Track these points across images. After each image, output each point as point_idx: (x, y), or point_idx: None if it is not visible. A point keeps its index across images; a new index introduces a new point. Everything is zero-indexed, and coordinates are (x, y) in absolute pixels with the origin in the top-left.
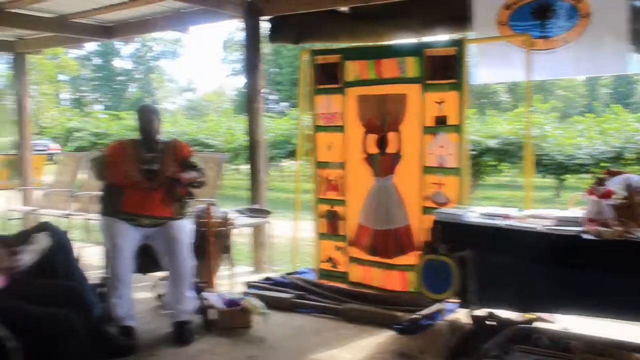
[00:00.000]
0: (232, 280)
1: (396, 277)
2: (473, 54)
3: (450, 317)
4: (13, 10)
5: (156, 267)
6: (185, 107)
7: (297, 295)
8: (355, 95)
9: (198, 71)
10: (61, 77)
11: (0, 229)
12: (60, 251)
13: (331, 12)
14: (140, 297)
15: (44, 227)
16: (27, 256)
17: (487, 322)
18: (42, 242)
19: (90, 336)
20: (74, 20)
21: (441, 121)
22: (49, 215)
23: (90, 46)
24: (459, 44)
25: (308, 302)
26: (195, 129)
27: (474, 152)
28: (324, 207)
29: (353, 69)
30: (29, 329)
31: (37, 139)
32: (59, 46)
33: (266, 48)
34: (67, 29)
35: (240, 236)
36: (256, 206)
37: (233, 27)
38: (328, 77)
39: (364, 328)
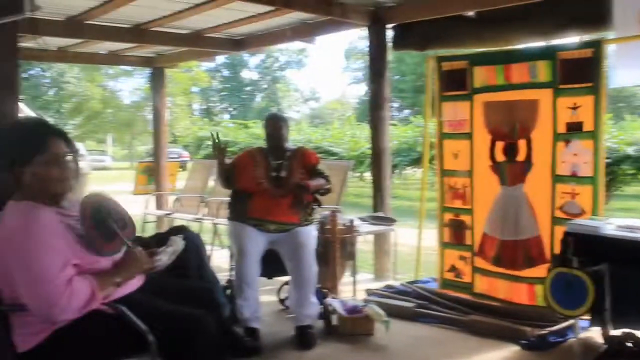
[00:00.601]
0: (354, 287)
1: (523, 289)
2: (610, 55)
3: (582, 335)
4: (154, 29)
5: (281, 271)
6: (309, 115)
7: (419, 305)
8: (483, 101)
9: (321, 80)
10: (193, 88)
11: (137, 231)
12: (193, 253)
13: (457, 18)
14: (265, 300)
15: (180, 230)
16: (165, 257)
17: (624, 344)
18: (178, 244)
19: (219, 336)
20: (207, 35)
21: (575, 127)
22: (181, 219)
23: (220, 59)
24: (596, 45)
25: (430, 311)
26: (319, 137)
27: (609, 160)
28: (449, 216)
29: (480, 75)
30: (164, 325)
31: (171, 147)
32: (193, 60)
33: (389, 55)
34: (201, 43)
35: (364, 243)
36: (380, 214)
37: (355, 36)
38: (455, 83)
39: (488, 341)
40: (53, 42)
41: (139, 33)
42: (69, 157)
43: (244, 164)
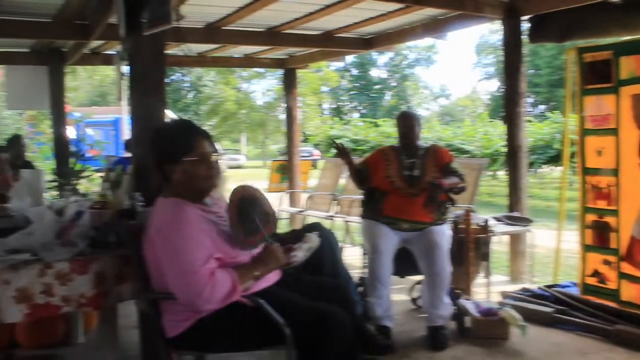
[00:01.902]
0: (488, 289)
1: None
2: None
3: None
4: (286, 31)
5: (413, 270)
6: (439, 112)
7: (558, 310)
8: (631, 94)
9: (451, 76)
10: (323, 88)
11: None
12: (328, 250)
13: (600, 5)
14: (397, 299)
15: (315, 227)
16: (301, 253)
17: None
18: (314, 240)
19: (353, 333)
20: (337, 35)
21: None
22: (313, 216)
23: (349, 58)
24: None
25: (571, 318)
26: (450, 134)
27: None
28: (592, 217)
29: (628, 65)
30: (301, 319)
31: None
32: (324, 60)
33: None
34: (331, 43)
35: (498, 244)
36: (516, 214)
37: (486, 30)
38: (598, 76)
39: (636, 354)
40: (194, 49)
41: (272, 36)
42: (213, 156)
43: (376, 163)
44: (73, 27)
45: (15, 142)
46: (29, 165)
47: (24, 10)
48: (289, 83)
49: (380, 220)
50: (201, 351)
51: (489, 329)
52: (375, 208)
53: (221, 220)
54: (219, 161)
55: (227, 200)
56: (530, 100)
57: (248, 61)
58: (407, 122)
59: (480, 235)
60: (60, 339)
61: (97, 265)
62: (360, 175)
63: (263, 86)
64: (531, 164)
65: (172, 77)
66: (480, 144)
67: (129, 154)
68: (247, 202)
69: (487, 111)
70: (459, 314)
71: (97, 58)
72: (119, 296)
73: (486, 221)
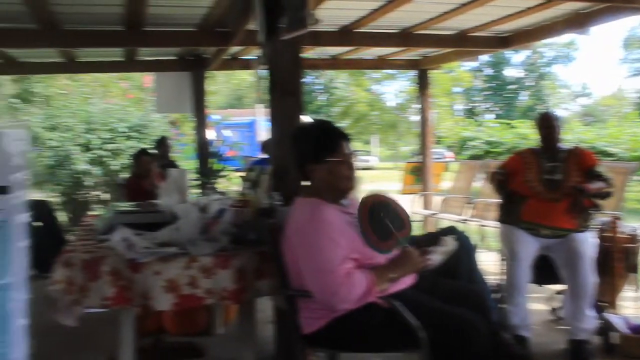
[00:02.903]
0: (637, 303)
1: None
2: None
3: None
4: (419, 32)
5: (553, 279)
6: (579, 113)
7: None
8: None
9: (593, 74)
10: (455, 89)
11: None
12: (464, 254)
13: None
14: (535, 308)
15: (451, 230)
16: (437, 257)
17: None
18: (450, 244)
19: (489, 341)
20: (472, 35)
21: None
22: (446, 219)
23: (483, 57)
24: None
25: None
26: (593, 136)
27: None
28: None
29: None
30: (437, 324)
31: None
32: (457, 60)
33: None
34: (465, 43)
35: None
36: None
37: (636, 22)
38: None
39: None
40: (327, 52)
41: (405, 37)
42: (353, 157)
43: (514, 167)
44: (215, 34)
45: (162, 143)
46: (173, 164)
47: (172, 21)
48: (422, 84)
49: (519, 225)
50: (335, 349)
51: (639, 347)
52: (513, 213)
53: (357, 222)
54: (355, 162)
55: (359, 205)
56: None
57: (380, 63)
58: (548, 123)
59: (629, 245)
60: (201, 328)
61: (238, 261)
62: (502, 184)
63: (394, 88)
64: None
65: (305, 80)
66: (628, 146)
67: (265, 155)
68: (379, 207)
69: (636, 110)
70: (605, 328)
71: (236, 63)
72: (258, 291)
73: (635, 230)
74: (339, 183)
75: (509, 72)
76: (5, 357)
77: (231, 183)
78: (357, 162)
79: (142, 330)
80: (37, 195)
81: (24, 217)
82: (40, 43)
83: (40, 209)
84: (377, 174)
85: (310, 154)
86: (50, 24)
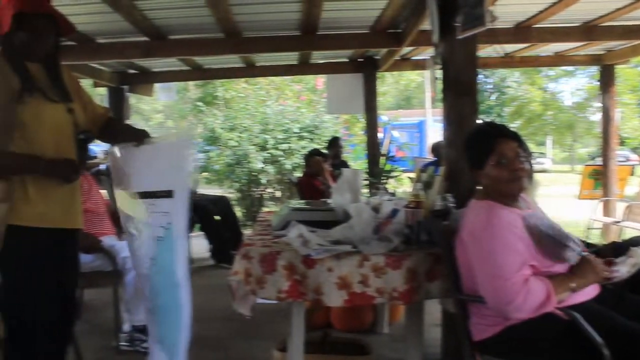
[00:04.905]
0: None
1: None
2: None
3: None
4: (604, 24)
5: None
6: None
7: None
8: None
9: None
10: None
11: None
12: None
13: None
14: None
15: (638, 241)
16: (624, 268)
17: None
18: (639, 256)
19: None
20: None
21: None
22: (631, 228)
23: None
24: None
25: None
26: None
27: None
28: None
29: None
30: (624, 342)
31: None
32: None
33: None
34: None
35: None
36: None
37: None
38: None
39: None
40: (504, 49)
41: (587, 30)
42: (521, 158)
43: None
44: (387, 36)
45: (334, 143)
46: (345, 164)
47: (345, 25)
48: (606, 80)
49: None
50: (506, 359)
51: None
52: None
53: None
54: (527, 163)
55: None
56: None
57: (558, 59)
58: None
59: None
60: (367, 326)
61: (410, 262)
62: None
63: (572, 85)
64: None
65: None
66: None
67: (435, 157)
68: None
69: None
70: None
71: (407, 64)
72: (428, 293)
73: None
74: (500, 187)
75: None
76: (177, 349)
77: (400, 184)
78: (531, 164)
79: (310, 324)
80: (218, 191)
81: (186, 220)
82: (224, 50)
83: (220, 204)
84: (551, 178)
85: (472, 159)
86: (233, 32)
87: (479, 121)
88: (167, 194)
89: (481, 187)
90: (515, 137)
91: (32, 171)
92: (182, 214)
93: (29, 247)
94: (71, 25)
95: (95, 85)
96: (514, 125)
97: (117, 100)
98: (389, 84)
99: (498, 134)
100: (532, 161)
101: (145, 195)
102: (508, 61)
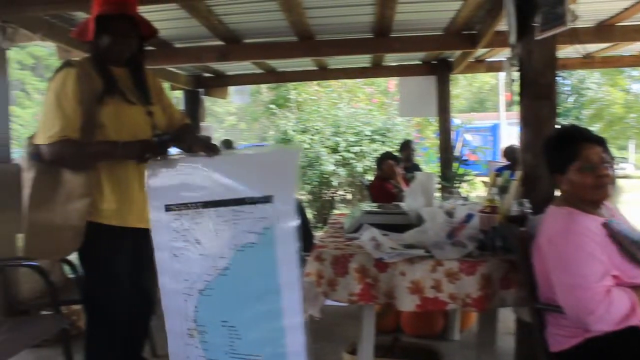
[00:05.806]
0: None
1: None
2: None
3: None
4: None
5: None
6: None
7: None
8: None
9: None
10: None
11: None
12: None
13: None
14: None
15: None
16: None
17: None
18: None
19: None
20: None
21: None
22: None
23: None
24: None
25: None
26: None
27: None
28: None
29: None
30: None
31: None
32: None
33: None
34: None
35: None
36: None
37: None
38: None
39: None
40: (586, 49)
41: None
42: (606, 164)
43: None
44: (461, 37)
45: (406, 146)
46: (417, 167)
47: (419, 27)
48: None
49: None
50: None
51: None
52: None
53: (621, 233)
54: (611, 169)
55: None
56: None
57: None
58: None
59: None
60: (437, 332)
61: (484, 268)
62: None
63: None
64: None
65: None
66: None
67: (508, 161)
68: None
69: None
70: None
71: (481, 66)
72: (502, 301)
73: None
74: (583, 193)
75: None
76: (283, 357)
77: (472, 188)
78: (614, 169)
79: (379, 328)
80: None
81: (294, 223)
82: (297, 53)
83: None
84: (634, 183)
85: (553, 164)
86: (306, 35)
87: (557, 125)
88: (266, 200)
89: (561, 193)
90: (600, 141)
91: (111, 154)
92: (285, 217)
93: (106, 244)
94: (153, 28)
95: (172, 88)
96: (593, 129)
97: (193, 102)
98: (462, 86)
99: (582, 138)
100: (615, 166)
101: (228, 203)
102: (589, 62)
